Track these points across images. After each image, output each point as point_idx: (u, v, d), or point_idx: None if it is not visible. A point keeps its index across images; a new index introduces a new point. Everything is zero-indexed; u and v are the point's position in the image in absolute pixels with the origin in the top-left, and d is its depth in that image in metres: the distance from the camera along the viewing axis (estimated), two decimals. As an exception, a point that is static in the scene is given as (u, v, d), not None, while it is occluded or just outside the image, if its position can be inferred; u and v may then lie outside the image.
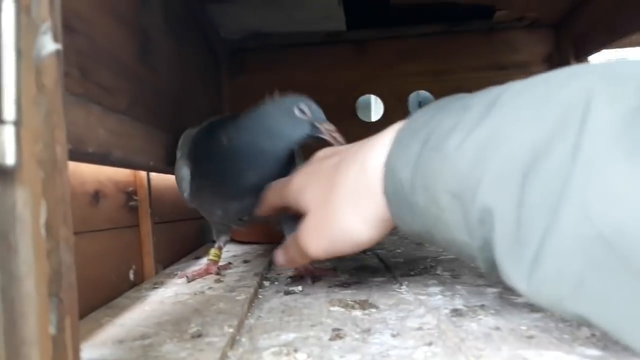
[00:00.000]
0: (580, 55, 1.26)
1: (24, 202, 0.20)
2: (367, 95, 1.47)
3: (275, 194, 0.53)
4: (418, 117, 0.34)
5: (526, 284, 0.25)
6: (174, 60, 0.89)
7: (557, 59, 1.34)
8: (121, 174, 0.68)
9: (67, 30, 0.49)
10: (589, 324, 0.24)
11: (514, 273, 0.26)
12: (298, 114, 0.60)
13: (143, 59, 0.70)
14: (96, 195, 0.59)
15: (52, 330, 0.21)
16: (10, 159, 0.20)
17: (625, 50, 1.36)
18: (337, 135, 0.59)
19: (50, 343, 0.21)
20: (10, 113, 0.20)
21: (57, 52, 0.23)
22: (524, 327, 0.38)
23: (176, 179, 0.69)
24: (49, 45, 0.23)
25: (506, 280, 0.27)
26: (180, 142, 0.70)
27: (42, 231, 0.21)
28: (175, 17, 0.91)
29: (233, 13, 1.18)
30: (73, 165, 0.54)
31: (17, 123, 0.20)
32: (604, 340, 0.35)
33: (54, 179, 0.22)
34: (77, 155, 0.46)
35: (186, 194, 0.67)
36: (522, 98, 0.27)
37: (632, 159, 0.21)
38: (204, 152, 0.64)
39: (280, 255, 0.51)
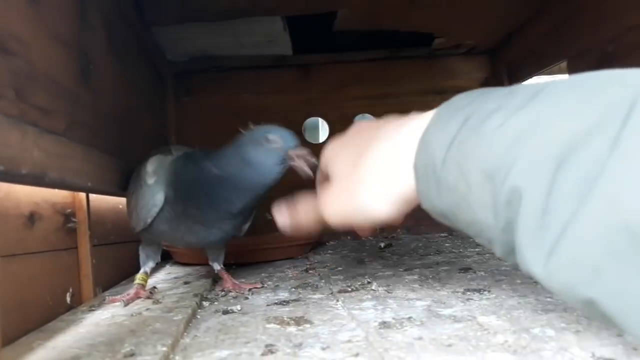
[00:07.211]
0: (514, 81, 1.33)
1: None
2: (314, 117, 1.50)
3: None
4: (460, 99, 0.35)
5: (542, 267, 0.26)
6: (117, 82, 0.89)
7: (493, 84, 1.40)
8: (59, 195, 0.67)
9: (3, 52, 0.49)
10: (596, 312, 0.25)
11: (531, 256, 0.27)
12: (267, 144, 0.61)
13: (84, 81, 0.70)
14: (31, 217, 0.59)
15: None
16: None
17: (555, 77, 1.44)
18: (309, 158, 0.60)
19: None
20: None
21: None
22: (444, 337, 0.40)
23: (139, 202, 0.68)
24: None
25: (521, 263, 0.28)
26: (150, 168, 0.68)
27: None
28: (119, 39, 0.91)
29: (179, 36, 1.19)
30: (7, 187, 0.53)
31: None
32: (515, 345, 0.37)
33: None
34: (10, 176, 0.46)
35: (149, 219, 0.66)
36: (568, 90, 0.28)
37: None
38: (189, 179, 0.65)
39: (283, 216, 0.49)
